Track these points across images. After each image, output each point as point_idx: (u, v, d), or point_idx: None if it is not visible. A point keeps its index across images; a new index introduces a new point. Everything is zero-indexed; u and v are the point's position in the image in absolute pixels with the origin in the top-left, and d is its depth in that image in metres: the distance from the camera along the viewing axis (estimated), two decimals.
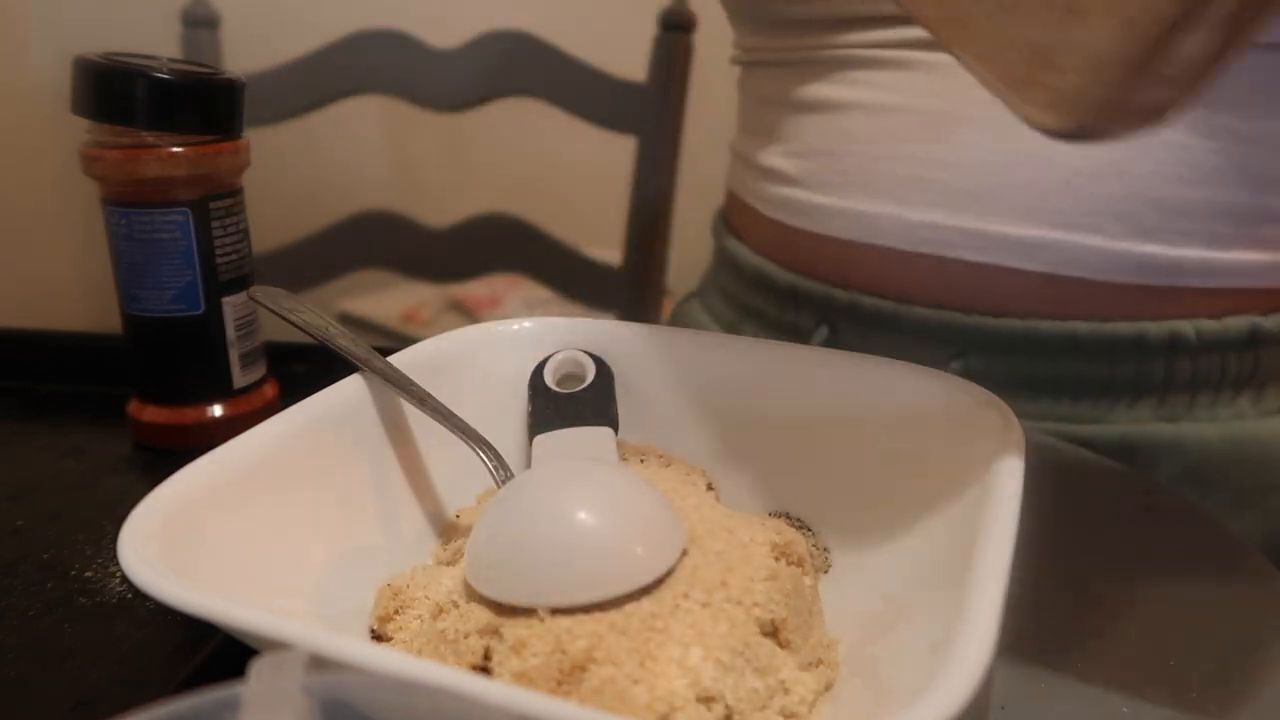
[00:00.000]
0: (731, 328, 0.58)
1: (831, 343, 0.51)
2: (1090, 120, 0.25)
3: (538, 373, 0.37)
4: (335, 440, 0.32)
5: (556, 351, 0.38)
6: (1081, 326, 0.46)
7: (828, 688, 0.26)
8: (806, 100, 0.51)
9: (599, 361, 0.37)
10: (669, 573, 0.27)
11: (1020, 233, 0.45)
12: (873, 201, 0.48)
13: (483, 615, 0.26)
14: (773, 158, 0.53)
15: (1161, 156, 0.43)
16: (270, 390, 0.46)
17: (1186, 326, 0.45)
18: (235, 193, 0.43)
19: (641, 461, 0.36)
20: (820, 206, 0.50)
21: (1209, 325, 0.45)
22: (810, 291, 0.52)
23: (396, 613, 0.29)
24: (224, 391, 0.43)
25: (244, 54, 0.98)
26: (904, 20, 0.46)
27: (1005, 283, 0.46)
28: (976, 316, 0.47)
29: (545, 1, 1.10)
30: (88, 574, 0.34)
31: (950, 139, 0.46)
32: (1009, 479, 0.27)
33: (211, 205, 0.41)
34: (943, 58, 0.45)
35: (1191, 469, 0.45)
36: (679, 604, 0.25)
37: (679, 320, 0.65)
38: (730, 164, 0.60)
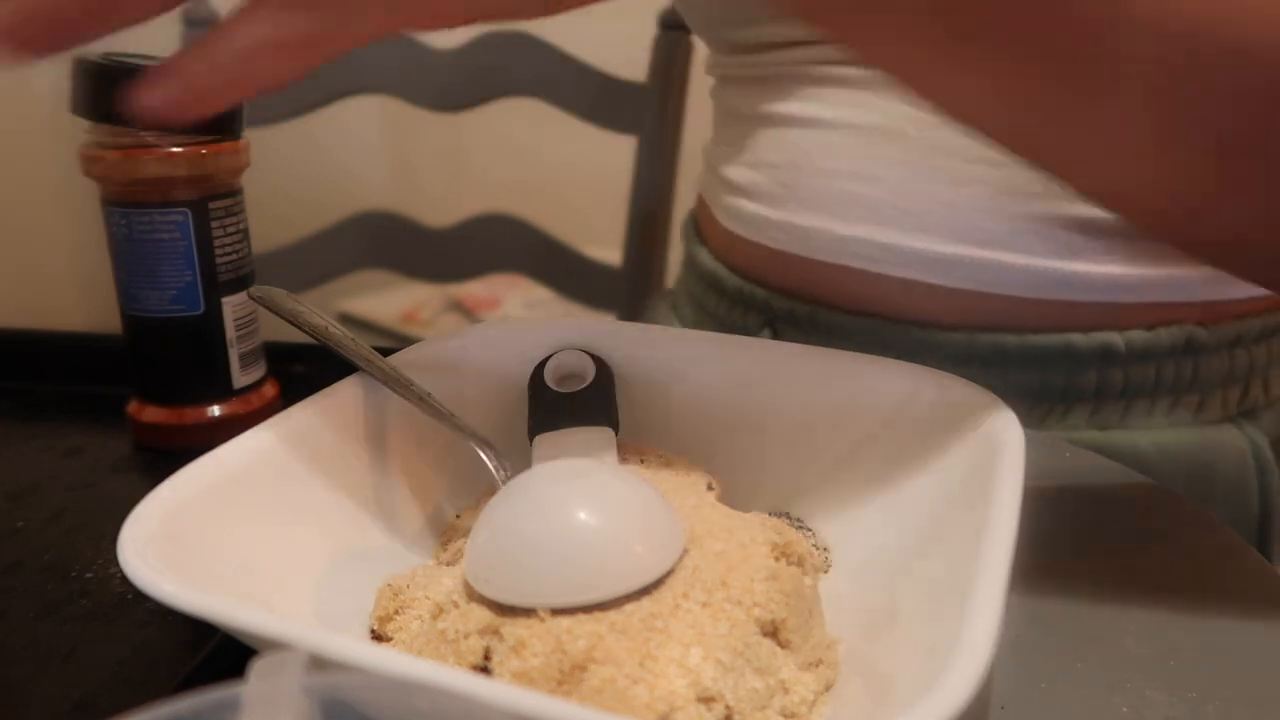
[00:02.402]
0: (692, 326, 0.59)
1: None
2: None
3: (538, 373, 0.37)
4: (335, 440, 0.32)
5: (556, 351, 0.38)
6: (1009, 339, 0.46)
7: (828, 688, 0.26)
8: (760, 114, 0.52)
9: (599, 361, 0.37)
10: (669, 573, 0.27)
11: (944, 250, 0.45)
12: (807, 215, 0.49)
13: (483, 615, 0.26)
14: (730, 168, 0.54)
15: None
16: (270, 390, 0.46)
17: (1116, 338, 0.45)
18: (235, 193, 0.43)
19: (641, 461, 0.36)
20: (761, 217, 0.51)
21: (1139, 336, 0.45)
22: (754, 295, 0.53)
23: (396, 613, 0.29)
24: (224, 391, 0.43)
25: None
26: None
27: (931, 298, 0.46)
28: (905, 326, 0.47)
29: None
30: (88, 575, 0.34)
31: (879, 155, 0.46)
32: (1009, 479, 0.27)
33: (211, 205, 0.41)
34: (879, 74, 0.46)
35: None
36: (679, 604, 0.25)
37: (651, 318, 0.67)
38: (703, 169, 0.62)
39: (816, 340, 0.50)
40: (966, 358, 0.46)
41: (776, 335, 0.52)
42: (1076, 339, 0.45)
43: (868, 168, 0.47)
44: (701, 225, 0.60)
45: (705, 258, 0.57)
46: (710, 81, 0.60)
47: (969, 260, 0.45)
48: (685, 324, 0.60)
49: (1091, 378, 0.46)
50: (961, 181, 0.44)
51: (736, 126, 0.55)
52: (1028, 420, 0.46)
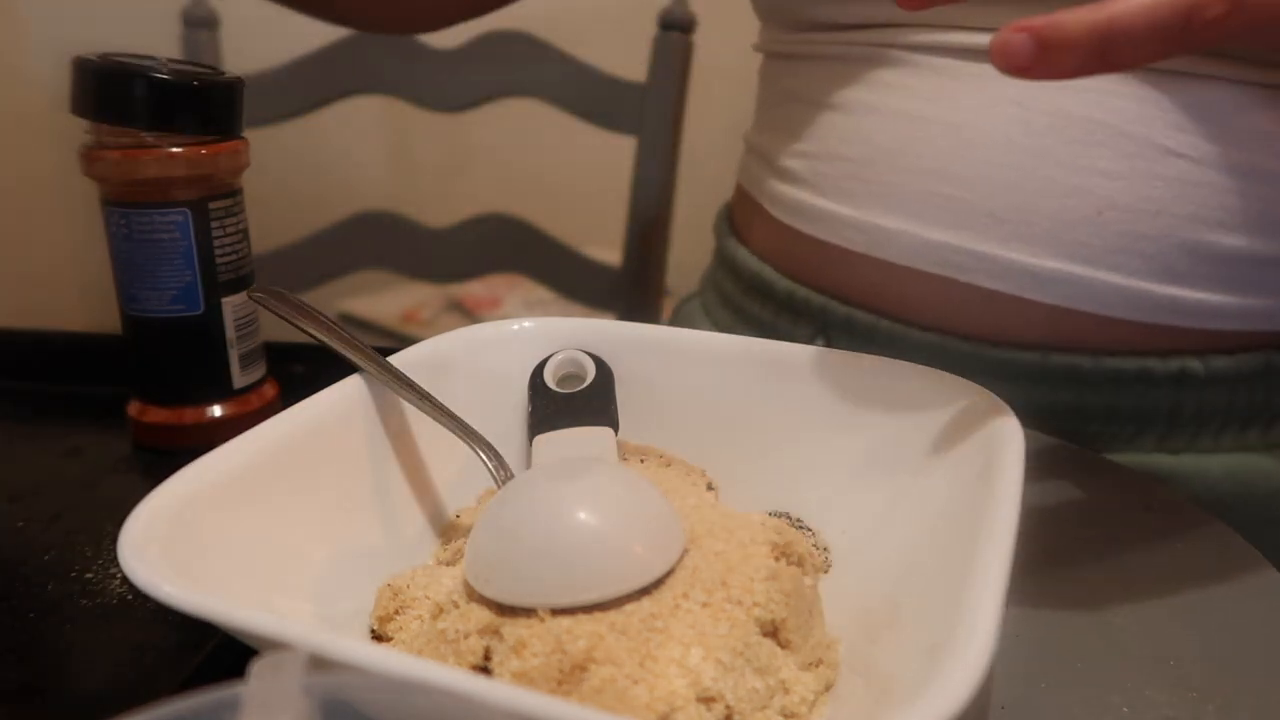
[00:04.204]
0: (728, 331, 0.55)
1: None
2: None
3: (538, 373, 0.37)
4: (335, 440, 0.32)
5: (556, 351, 0.38)
6: (1085, 361, 0.44)
7: (828, 688, 0.26)
8: (830, 99, 0.48)
9: (599, 361, 0.37)
10: (669, 573, 0.27)
11: (1040, 263, 0.43)
12: (888, 215, 0.45)
13: (483, 615, 0.26)
14: (787, 157, 0.50)
15: (1205, 200, 0.41)
16: (270, 390, 0.46)
17: (1195, 363, 0.44)
18: (235, 193, 0.43)
19: (641, 461, 0.36)
20: (830, 213, 0.48)
21: (1220, 361, 0.44)
22: (807, 301, 0.50)
23: (397, 613, 0.29)
24: (224, 391, 0.43)
25: (244, 54, 0.98)
26: (944, 26, 0.44)
27: (1013, 312, 0.44)
28: (975, 343, 0.45)
29: (545, 1, 1.10)
30: (88, 575, 0.34)
31: (973, 156, 0.43)
32: (1009, 479, 0.27)
33: (211, 205, 0.41)
34: (979, 68, 0.43)
35: (1193, 501, 0.44)
36: (679, 604, 0.25)
37: (679, 321, 0.63)
38: (743, 157, 0.58)
39: (876, 352, 0.46)
40: (1039, 377, 0.44)
41: (830, 345, 0.48)
42: (1153, 363, 0.44)
43: (960, 169, 0.43)
44: (740, 221, 0.56)
45: (746, 258, 0.54)
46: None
47: (1065, 276, 0.42)
48: (720, 329, 0.56)
49: (1165, 401, 0.44)
50: (1065, 192, 0.42)
51: (793, 110, 0.51)
52: (1093, 441, 0.45)
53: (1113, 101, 0.41)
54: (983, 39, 0.43)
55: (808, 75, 0.50)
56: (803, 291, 0.50)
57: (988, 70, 0.43)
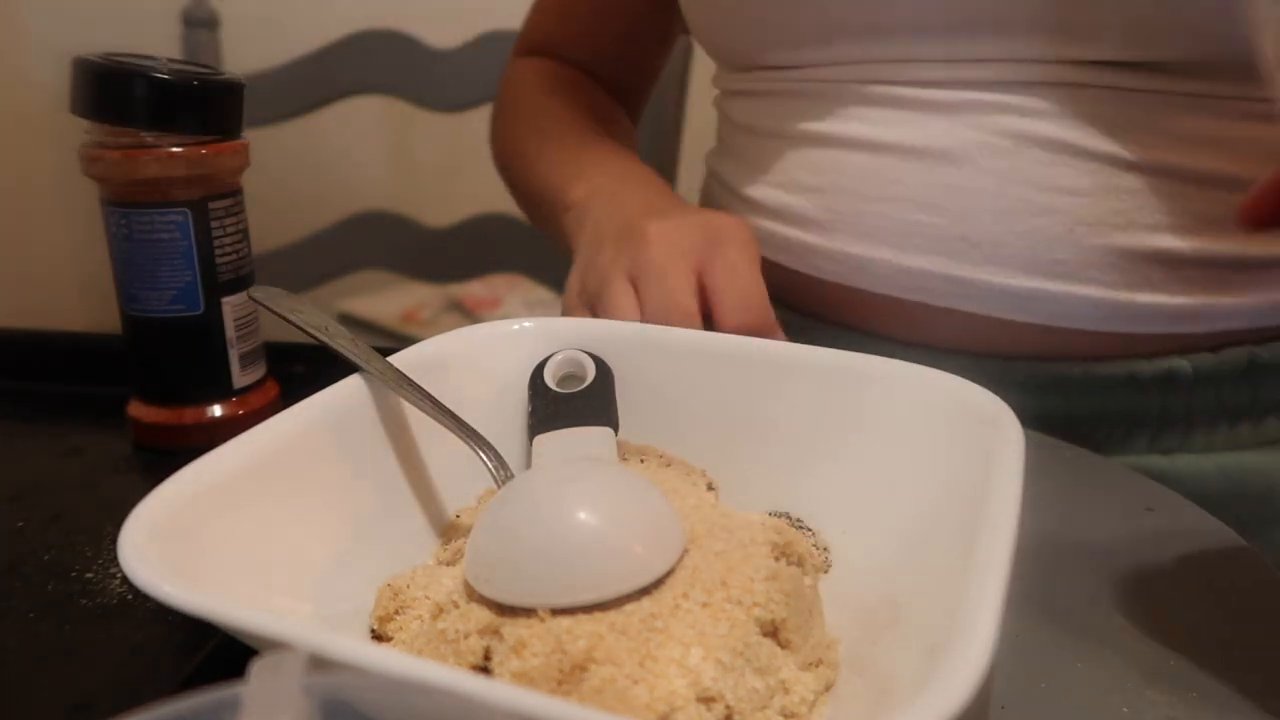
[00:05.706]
0: None
1: None
2: None
3: (538, 373, 0.37)
4: (335, 440, 0.32)
5: (556, 351, 0.38)
6: (1074, 369, 0.45)
7: (828, 688, 0.26)
8: (789, 131, 0.48)
9: (599, 361, 0.37)
10: (669, 573, 0.27)
11: (1018, 284, 0.43)
12: (863, 244, 0.46)
13: (483, 615, 0.26)
14: (756, 189, 0.50)
15: (1170, 207, 0.41)
16: (270, 390, 0.46)
17: (1182, 363, 0.44)
18: (235, 193, 0.43)
19: (641, 461, 0.36)
20: (807, 245, 0.48)
21: (1206, 360, 0.44)
22: (788, 322, 0.50)
23: (397, 613, 0.29)
24: (224, 391, 0.43)
25: (244, 54, 0.98)
26: (901, 59, 0.44)
27: (995, 331, 0.45)
28: (961, 356, 0.45)
29: None
30: (88, 575, 0.34)
31: (940, 181, 0.44)
32: (1009, 479, 0.27)
33: (211, 205, 0.41)
34: (942, 95, 0.43)
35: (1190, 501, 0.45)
36: (679, 604, 0.25)
37: None
38: (705, 181, 0.57)
39: None
40: (1027, 385, 0.45)
41: None
42: (1140, 366, 0.44)
43: (928, 195, 0.44)
44: None
45: None
46: (710, 82, 0.58)
47: (1041, 294, 0.43)
48: None
49: (1154, 402, 0.45)
50: (1036, 211, 0.42)
51: (754, 142, 0.51)
52: (1085, 444, 0.45)
53: (1069, 120, 0.42)
54: (938, 71, 0.44)
55: (766, 110, 0.50)
56: (785, 314, 0.51)
57: (944, 97, 0.44)
